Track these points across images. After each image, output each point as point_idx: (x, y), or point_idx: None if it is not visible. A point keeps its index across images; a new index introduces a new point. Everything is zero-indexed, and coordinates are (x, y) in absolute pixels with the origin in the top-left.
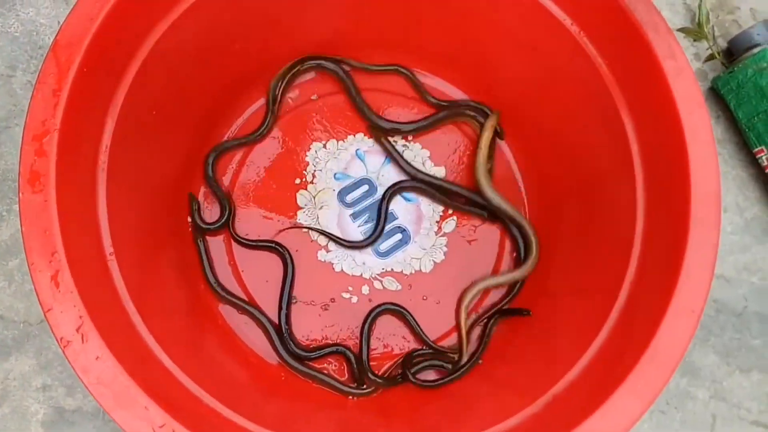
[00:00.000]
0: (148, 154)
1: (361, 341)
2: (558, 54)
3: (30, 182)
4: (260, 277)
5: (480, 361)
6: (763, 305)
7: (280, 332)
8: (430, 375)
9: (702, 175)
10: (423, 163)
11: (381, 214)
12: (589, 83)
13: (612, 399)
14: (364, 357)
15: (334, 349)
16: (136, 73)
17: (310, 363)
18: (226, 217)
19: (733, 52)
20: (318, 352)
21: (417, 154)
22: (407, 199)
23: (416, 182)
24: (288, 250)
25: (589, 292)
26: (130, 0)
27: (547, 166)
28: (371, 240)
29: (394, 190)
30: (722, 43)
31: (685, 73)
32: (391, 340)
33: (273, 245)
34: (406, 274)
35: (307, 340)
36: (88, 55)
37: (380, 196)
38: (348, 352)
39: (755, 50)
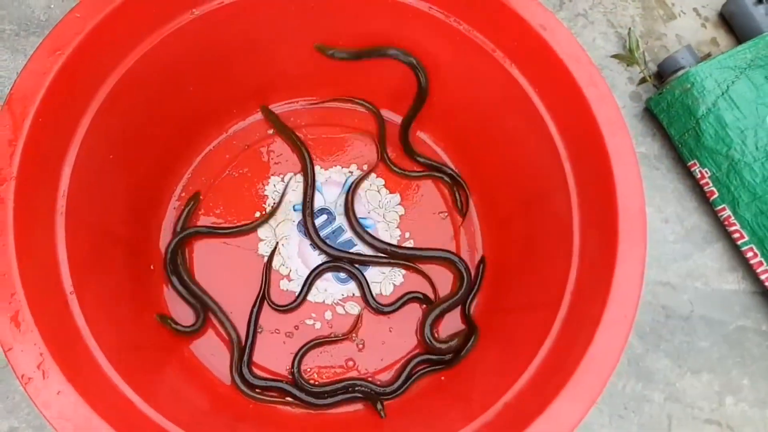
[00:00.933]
0: (107, 196)
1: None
2: (492, 83)
3: None
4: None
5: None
6: (707, 309)
7: (241, 359)
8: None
9: (627, 192)
10: (378, 191)
11: (305, 286)
12: (523, 110)
13: (555, 403)
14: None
15: (278, 385)
16: (91, 121)
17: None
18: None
19: (663, 75)
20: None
21: (372, 183)
22: (365, 226)
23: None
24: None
25: (535, 306)
26: (82, 54)
27: (494, 189)
28: (293, 307)
29: (322, 270)
30: (653, 67)
31: (607, 99)
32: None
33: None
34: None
35: (274, 367)
36: (43, 107)
37: (335, 228)
38: (290, 388)
39: (680, 73)
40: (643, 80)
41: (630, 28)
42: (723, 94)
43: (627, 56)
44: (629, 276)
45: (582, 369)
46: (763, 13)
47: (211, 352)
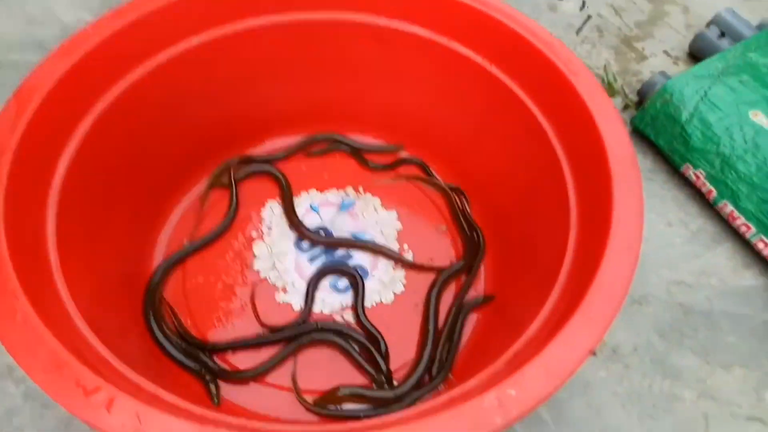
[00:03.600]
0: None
1: None
2: (489, 98)
3: None
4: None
5: (450, 376)
6: (728, 304)
7: None
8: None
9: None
10: (376, 210)
11: (308, 297)
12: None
13: (568, 327)
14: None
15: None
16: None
17: None
18: None
19: (642, 98)
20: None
21: (368, 202)
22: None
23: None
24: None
25: (543, 262)
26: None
27: (492, 194)
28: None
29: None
30: (633, 97)
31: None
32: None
33: None
34: (367, 307)
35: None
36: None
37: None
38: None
39: (658, 86)
40: (626, 107)
41: (605, 65)
42: (702, 98)
43: (606, 88)
44: (628, 210)
45: (592, 294)
46: (726, 45)
47: None
